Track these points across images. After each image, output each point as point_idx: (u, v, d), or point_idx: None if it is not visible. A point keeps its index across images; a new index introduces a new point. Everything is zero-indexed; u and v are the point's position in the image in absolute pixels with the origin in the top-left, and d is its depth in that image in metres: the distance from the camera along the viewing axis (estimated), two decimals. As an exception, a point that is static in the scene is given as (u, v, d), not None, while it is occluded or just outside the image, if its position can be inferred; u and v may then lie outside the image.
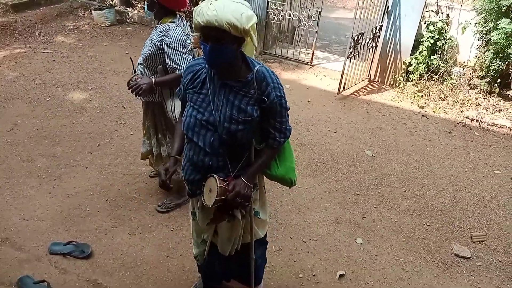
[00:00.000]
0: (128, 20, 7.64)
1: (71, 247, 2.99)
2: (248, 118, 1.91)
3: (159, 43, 2.82)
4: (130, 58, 3.18)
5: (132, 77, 2.92)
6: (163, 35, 2.81)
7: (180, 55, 2.80)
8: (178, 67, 2.81)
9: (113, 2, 7.90)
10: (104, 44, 6.65)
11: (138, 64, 3.05)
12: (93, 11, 7.39)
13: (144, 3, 2.97)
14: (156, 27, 2.94)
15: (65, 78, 5.41)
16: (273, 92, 1.90)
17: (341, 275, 3.08)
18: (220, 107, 1.92)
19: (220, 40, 1.76)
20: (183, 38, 2.81)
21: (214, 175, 1.96)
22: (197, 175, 2.07)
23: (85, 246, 3.03)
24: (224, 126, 1.91)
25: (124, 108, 4.89)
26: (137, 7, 7.84)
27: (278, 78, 1.96)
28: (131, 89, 2.88)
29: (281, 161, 2.14)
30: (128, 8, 7.76)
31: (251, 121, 1.92)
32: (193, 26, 1.82)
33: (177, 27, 2.83)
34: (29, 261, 2.92)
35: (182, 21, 2.94)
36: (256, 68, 1.90)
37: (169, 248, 3.15)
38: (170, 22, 2.86)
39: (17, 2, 7.49)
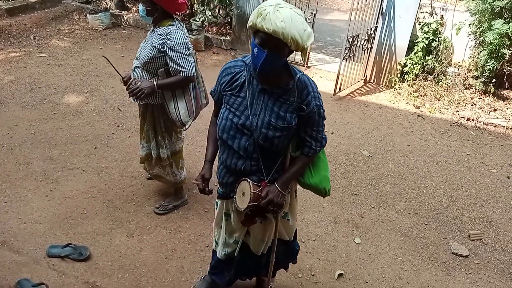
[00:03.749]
0: (123, 23, 7.64)
1: (69, 249, 2.98)
2: (287, 125, 1.91)
3: (160, 46, 2.81)
4: (104, 57, 3.13)
5: (132, 81, 2.90)
6: (165, 38, 2.80)
7: (184, 57, 2.81)
8: (182, 69, 2.82)
9: (108, 5, 7.90)
10: (99, 47, 6.64)
11: (134, 68, 3.04)
12: (88, 15, 7.38)
13: (139, 7, 2.94)
14: (154, 30, 2.92)
15: (60, 82, 5.40)
16: (313, 101, 1.90)
17: (340, 275, 3.08)
18: (258, 112, 1.92)
19: (278, 51, 1.76)
20: (186, 40, 2.82)
21: (248, 179, 1.97)
22: (230, 178, 2.08)
23: (83, 248, 3.01)
24: (261, 132, 1.91)
25: (121, 110, 4.89)
26: (132, 11, 7.84)
27: (317, 87, 1.96)
28: (131, 92, 2.86)
29: (315, 170, 2.13)
30: (123, 12, 7.76)
31: (289, 128, 1.92)
32: (249, 24, 1.78)
33: (178, 30, 2.83)
34: (27, 264, 2.91)
35: (179, 23, 2.95)
36: (298, 76, 1.90)
37: (167, 249, 3.15)
38: (170, 25, 2.86)
39: (12, 6, 7.47)
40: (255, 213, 2.07)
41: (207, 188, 2.16)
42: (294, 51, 1.83)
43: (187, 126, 3.07)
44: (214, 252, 2.52)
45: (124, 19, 7.62)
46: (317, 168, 2.14)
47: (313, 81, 1.96)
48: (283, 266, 2.63)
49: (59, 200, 3.50)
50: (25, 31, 6.88)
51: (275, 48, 1.75)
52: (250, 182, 1.95)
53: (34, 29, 7.01)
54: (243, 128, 1.94)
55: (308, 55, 6.44)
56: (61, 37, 6.86)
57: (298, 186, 2.26)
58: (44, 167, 3.85)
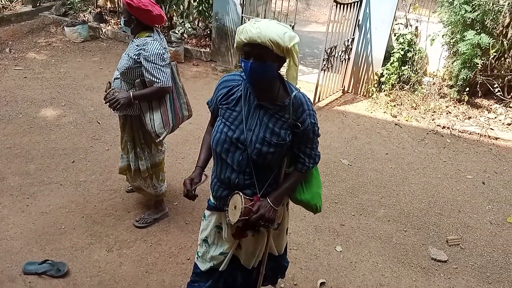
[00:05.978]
0: (101, 36, 7.59)
1: (47, 266, 2.90)
2: (281, 142, 1.91)
3: (136, 57, 2.82)
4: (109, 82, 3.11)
5: (109, 91, 2.89)
6: (141, 49, 2.81)
7: (159, 68, 2.81)
8: (157, 80, 2.82)
9: (86, 18, 7.85)
10: (77, 60, 6.58)
11: (114, 79, 3.03)
12: (65, 27, 7.31)
13: (120, 19, 2.95)
14: (132, 41, 2.93)
15: (37, 95, 5.31)
16: (308, 119, 1.92)
17: (322, 283, 3.09)
18: (253, 127, 1.92)
19: (262, 58, 1.77)
20: (161, 51, 2.82)
21: (240, 193, 1.97)
22: (224, 192, 2.08)
23: (61, 264, 2.94)
24: (255, 147, 1.91)
25: (99, 123, 4.83)
26: (110, 23, 7.81)
27: (312, 104, 1.97)
28: (108, 103, 2.86)
29: (307, 186, 2.14)
30: (101, 24, 7.72)
31: (283, 145, 1.93)
32: (235, 45, 1.83)
33: (155, 41, 2.84)
34: (2, 283, 2.82)
35: (159, 35, 2.96)
36: (294, 93, 1.91)
37: (148, 263, 3.10)
38: (147, 36, 2.87)
39: (-14, 19, 7.36)
40: (246, 227, 2.05)
41: (193, 192, 2.13)
42: (285, 59, 1.85)
43: (161, 138, 3.03)
44: (196, 264, 2.49)
45: (102, 31, 7.58)
46: (309, 185, 2.15)
47: (308, 98, 1.97)
48: (272, 282, 2.63)
49: (35, 215, 3.42)
50: (0, 44, 6.76)
51: (258, 55, 1.77)
52: (242, 196, 1.95)
53: (10, 42, 6.90)
54: (237, 142, 1.94)
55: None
56: (37, 50, 6.77)
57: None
58: (20, 182, 3.77)
